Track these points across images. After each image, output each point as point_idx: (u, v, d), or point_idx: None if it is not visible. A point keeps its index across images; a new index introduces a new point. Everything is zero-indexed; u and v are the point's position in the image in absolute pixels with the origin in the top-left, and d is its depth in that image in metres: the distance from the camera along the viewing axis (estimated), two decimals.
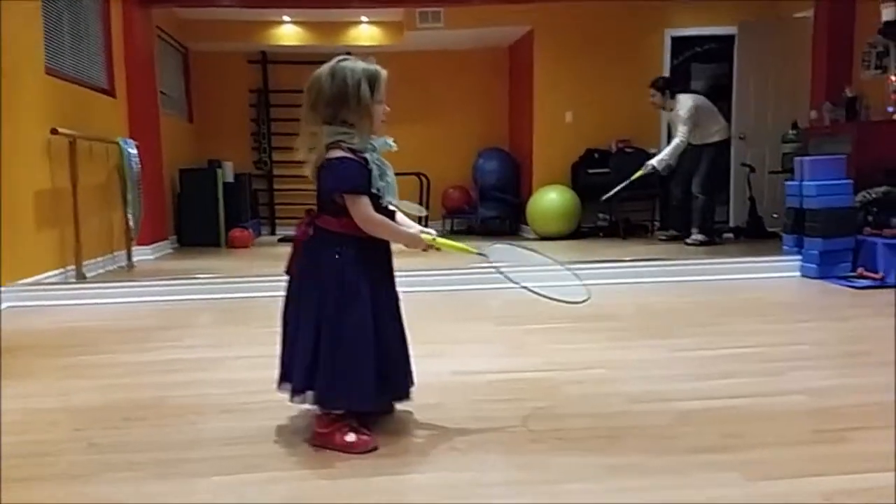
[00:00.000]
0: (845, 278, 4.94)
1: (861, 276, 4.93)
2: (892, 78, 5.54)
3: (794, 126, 7.04)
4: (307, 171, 2.18)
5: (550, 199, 7.66)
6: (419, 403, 2.50)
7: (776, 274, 5.20)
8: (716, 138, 6.56)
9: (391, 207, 2.20)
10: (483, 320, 4.01)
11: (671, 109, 6.61)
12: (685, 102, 6.49)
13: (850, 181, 5.19)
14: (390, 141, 2.19)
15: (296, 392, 2.15)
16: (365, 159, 2.10)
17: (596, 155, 8.01)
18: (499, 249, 2.36)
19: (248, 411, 2.45)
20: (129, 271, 5.80)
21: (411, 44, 8.44)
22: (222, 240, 7.46)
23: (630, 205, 7.66)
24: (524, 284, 2.26)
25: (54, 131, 4.87)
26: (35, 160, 4.82)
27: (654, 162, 6.61)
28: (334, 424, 2.12)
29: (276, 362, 2.24)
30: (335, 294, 2.10)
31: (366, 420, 2.21)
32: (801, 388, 2.64)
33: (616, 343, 3.42)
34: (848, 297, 4.52)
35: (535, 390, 2.68)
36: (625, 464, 2.01)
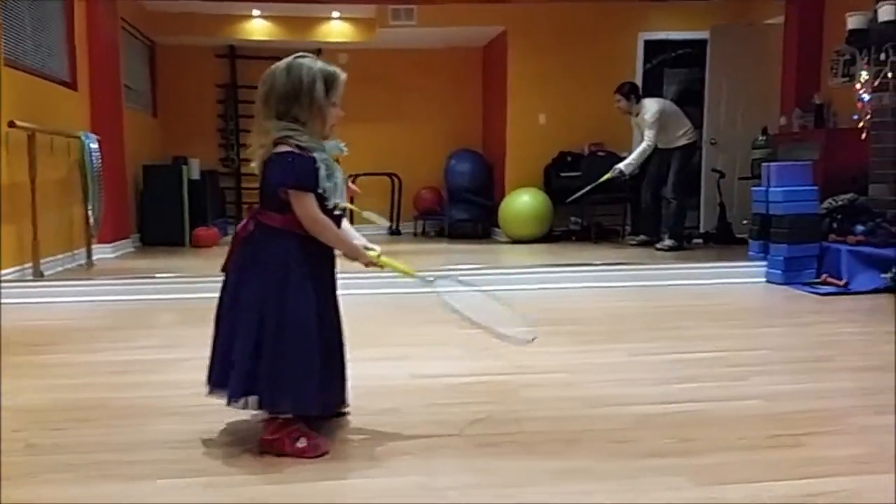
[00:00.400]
0: (810, 284, 4.96)
1: (825, 283, 4.95)
2: (858, 86, 5.58)
3: (765, 132, 7.09)
4: (253, 164, 2.12)
5: (523, 202, 7.63)
6: (375, 407, 2.46)
7: (742, 280, 5.21)
8: (682, 141, 6.57)
9: (337, 212, 2.13)
10: (448, 323, 3.91)
11: (637, 114, 6.62)
12: (650, 107, 6.50)
13: (816, 188, 5.22)
14: (342, 145, 2.14)
15: (234, 397, 2.06)
16: (313, 158, 2.04)
17: (569, 158, 7.99)
18: (444, 283, 2.28)
19: (195, 414, 2.38)
20: (88, 270, 5.67)
21: (383, 41, 8.37)
22: (186, 238, 7.33)
23: (602, 209, 7.66)
24: (473, 318, 2.18)
25: (12, 124, 4.73)
26: None
27: (621, 166, 6.62)
28: (283, 430, 2.04)
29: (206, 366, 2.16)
30: (277, 291, 2.04)
31: (315, 424, 2.15)
32: (759, 393, 2.63)
33: (579, 347, 3.40)
34: (811, 303, 4.54)
35: (494, 394, 2.64)
36: (576, 468, 1.98)
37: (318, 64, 2.08)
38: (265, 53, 8.38)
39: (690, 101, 7.97)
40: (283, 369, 2.02)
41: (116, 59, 6.76)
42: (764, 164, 5.57)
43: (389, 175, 8.78)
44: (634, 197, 7.43)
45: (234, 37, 8.37)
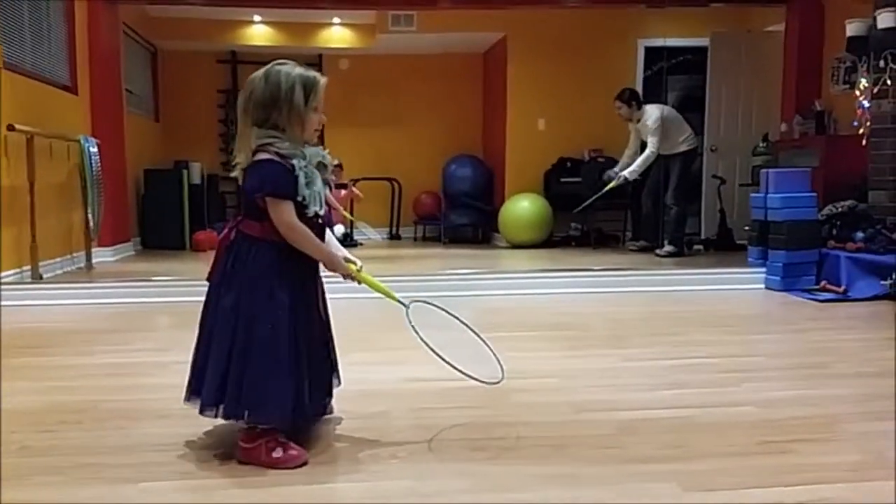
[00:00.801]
0: (808, 291, 4.95)
1: (824, 290, 4.93)
2: (857, 93, 5.57)
3: (765, 139, 7.08)
4: (235, 173, 2.12)
5: (523, 208, 7.63)
6: (364, 411, 2.46)
7: (741, 286, 5.20)
8: (683, 147, 6.56)
9: (319, 221, 2.12)
10: (442, 329, 3.95)
11: (638, 121, 6.61)
12: (652, 113, 6.49)
13: (815, 194, 5.21)
14: (324, 152, 2.13)
15: (206, 406, 2.05)
16: (292, 165, 2.02)
17: (568, 163, 8.00)
18: (419, 306, 2.26)
19: (185, 417, 2.36)
20: (87, 273, 5.69)
21: (383, 47, 8.39)
22: (187, 242, 7.34)
23: (602, 214, 7.65)
24: (439, 353, 2.17)
25: (11, 127, 4.76)
26: None
27: (625, 173, 6.60)
28: (260, 438, 2.02)
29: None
30: (251, 302, 2.02)
31: (298, 431, 2.13)
32: (751, 400, 2.61)
33: (573, 352, 3.39)
34: (810, 310, 4.52)
35: (485, 398, 2.62)
36: (563, 473, 1.97)
37: (297, 70, 2.06)
38: (266, 59, 8.19)
39: (691, 107, 7.95)
40: (250, 381, 2.00)
41: (118, 63, 6.78)
42: (762, 170, 5.56)
43: (389, 180, 8.79)
44: (635, 203, 7.43)
45: (235, 42, 8.39)
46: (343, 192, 7.77)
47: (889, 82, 5.22)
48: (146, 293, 4.83)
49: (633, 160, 6.63)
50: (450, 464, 2.04)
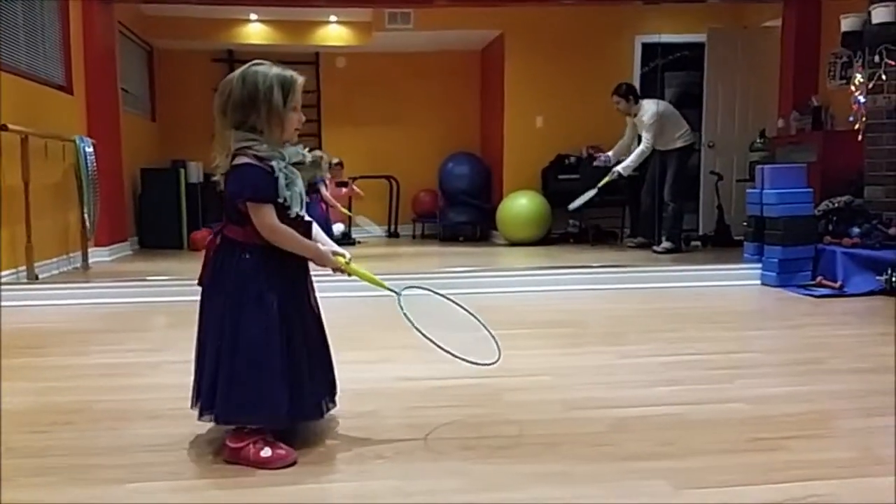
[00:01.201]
0: (804, 287, 4.94)
1: (820, 285, 4.93)
2: (853, 88, 5.56)
3: (762, 134, 7.07)
4: (216, 177, 2.11)
5: (521, 205, 7.63)
6: (354, 410, 2.45)
7: (737, 282, 5.20)
8: (679, 144, 6.55)
9: (307, 218, 2.13)
10: (434, 326, 3.94)
11: (636, 115, 6.61)
12: (649, 108, 6.49)
13: (811, 190, 5.20)
14: (304, 150, 2.13)
15: (203, 410, 2.06)
16: (271, 167, 2.01)
17: (566, 160, 7.99)
18: (413, 291, 2.25)
19: (176, 417, 2.37)
20: (84, 273, 5.68)
21: (380, 45, 8.38)
22: (185, 241, 7.34)
23: (600, 211, 7.64)
24: (431, 338, 2.15)
25: (4, 127, 4.74)
26: None
27: (619, 168, 6.60)
28: (248, 438, 2.01)
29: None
30: (237, 306, 2.02)
31: (290, 431, 2.13)
32: (744, 396, 2.61)
33: (567, 349, 3.38)
34: (806, 306, 4.51)
35: (476, 397, 2.62)
36: (554, 471, 1.96)
37: (274, 70, 2.05)
38: (263, 57, 8.32)
39: (688, 104, 7.94)
40: (241, 386, 2.00)
41: (113, 63, 6.77)
42: (758, 166, 5.55)
43: (387, 178, 8.78)
44: (633, 199, 7.41)
45: (231, 41, 8.38)
46: (344, 189, 7.77)
47: (884, 77, 5.20)
48: (142, 293, 4.83)
49: (627, 150, 6.63)
50: (441, 463, 2.04)
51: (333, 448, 2.16)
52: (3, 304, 4.50)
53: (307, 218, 2.15)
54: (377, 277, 2.23)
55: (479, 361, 2.22)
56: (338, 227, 7.74)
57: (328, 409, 2.26)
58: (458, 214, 8.44)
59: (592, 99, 7.54)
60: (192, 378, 2.15)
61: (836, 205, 5.40)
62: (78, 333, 3.82)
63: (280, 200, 2.02)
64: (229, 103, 2.02)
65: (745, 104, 7.75)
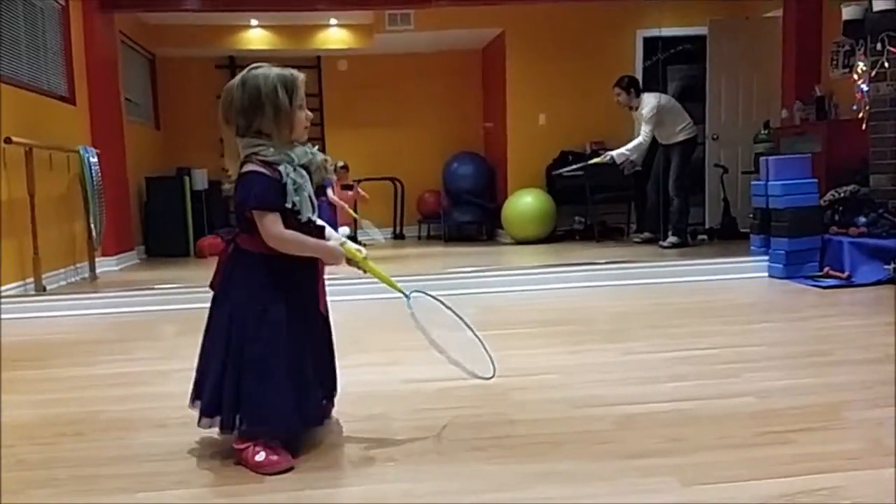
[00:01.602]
0: (812, 278, 4.92)
1: (827, 276, 4.91)
2: (856, 77, 5.53)
3: (766, 126, 7.04)
4: (227, 186, 2.12)
5: (526, 203, 7.63)
6: (362, 413, 2.46)
7: (744, 275, 5.18)
8: (681, 137, 6.54)
9: (320, 222, 2.12)
10: (440, 328, 3.95)
11: (637, 108, 6.60)
12: (649, 101, 6.49)
13: (815, 180, 5.17)
14: (313, 149, 2.11)
15: (204, 414, 2.07)
16: (279, 172, 2.00)
17: (570, 157, 7.97)
18: (420, 299, 2.26)
19: (183, 426, 2.38)
20: (91, 282, 5.71)
21: (382, 47, 8.39)
22: (191, 249, 7.36)
23: (605, 207, 7.64)
24: (437, 343, 2.17)
25: (8, 140, 4.77)
26: None
27: (613, 153, 6.61)
28: (251, 441, 2.03)
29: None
30: (242, 318, 2.03)
31: (297, 435, 2.14)
32: (751, 390, 2.60)
33: (573, 347, 3.37)
34: (813, 297, 4.50)
35: (482, 397, 2.61)
36: (559, 471, 1.96)
37: (274, 70, 2.03)
38: (266, 62, 8.41)
39: (692, 96, 7.91)
40: (246, 397, 2.01)
41: (115, 72, 6.80)
42: (762, 157, 5.53)
43: (391, 179, 8.79)
44: (639, 195, 7.40)
45: (233, 47, 8.41)
46: (349, 192, 7.77)
47: (887, 65, 5.18)
48: (149, 302, 4.84)
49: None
50: (449, 465, 2.03)
51: (342, 451, 2.16)
52: (12, 316, 4.52)
53: (319, 222, 2.13)
54: (391, 280, 2.23)
55: (476, 373, 2.28)
56: (343, 231, 7.74)
57: (328, 413, 2.27)
58: (462, 214, 8.45)
59: (595, 95, 7.52)
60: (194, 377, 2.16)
61: (842, 194, 5.37)
62: (86, 344, 3.84)
63: (288, 206, 2.00)
64: (232, 110, 2.02)
65: (748, 95, 7.72)
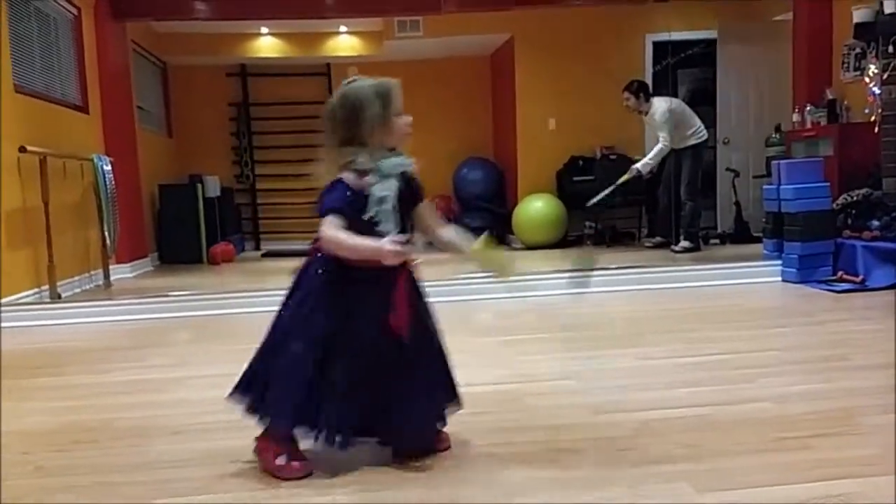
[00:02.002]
0: (825, 282, 4.90)
1: (841, 280, 4.88)
2: (867, 80, 5.51)
3: (778, 129, 7.02)
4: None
5: (536, 208, 7.63)
6: None
7: (757, 279, 5.16)
8: (692, 141, 6.53)
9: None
10: (458, 332, 3.94)
11: (646, 113, 6.60)
12: (660, 106, 6.48)
13: (828, 184, 5.15)
14: (407, 160, 2.10)
15: (234, 391, 2.09)
16: (367, 182, 2.00)
17: (580, 162, 7.98)
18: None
19: (200, 432, 2.40)
20: (105, 290, 5.74)
21: (391, 53, 8.41)
22: (204, 255, 7.40)
23: (616, 212, 7.62)
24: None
25: (23, 149, 4.81)
26: (4, 179, 4.76)
27: (638, 166, 6.59)
28: (271, 442, 2.05)
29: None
30: (292, 316, 2.06)
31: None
32: (767, 395, 2.59)
33: (589, 352, 3.37)
34: (827, 301, 4.48)
35: (498, 403, 2.62)
36: (577, 477, 1.96)
37: (368, 82, 2.07)
38: (276, 70, 8.49)
39: (702, 101, 7.91)
40: (269, 386, 2.02)
41: (128, 81, 6.86)
42: (774, 161, 5.52)
43: None
44: (650, 199, 7.39)
45: (244, 55, 8.45)
46: None
47: None
48: (163, 309, 4.85)
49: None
50: (461, 472, 2.03)
51: (357, 457, 2.16)
52: (27, 324, 4.57)
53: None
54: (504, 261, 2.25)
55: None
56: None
57: (352, 443, 2.08)
58: (473, 220, 8.43)
59: (605, 100, 7.51)
60: (222, 390, 2.16)
61: (855, 198, 5.35)
62: (101, 351, 3.86)
63: (365, 218, 1.99)
64: (334, 124, 2.05)
65: (759, 99, 7.71)
